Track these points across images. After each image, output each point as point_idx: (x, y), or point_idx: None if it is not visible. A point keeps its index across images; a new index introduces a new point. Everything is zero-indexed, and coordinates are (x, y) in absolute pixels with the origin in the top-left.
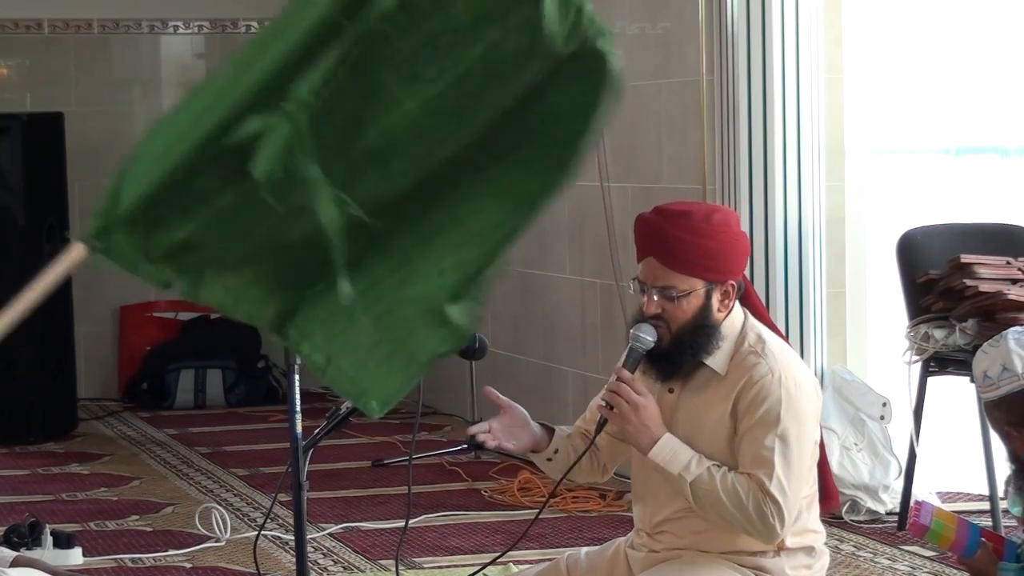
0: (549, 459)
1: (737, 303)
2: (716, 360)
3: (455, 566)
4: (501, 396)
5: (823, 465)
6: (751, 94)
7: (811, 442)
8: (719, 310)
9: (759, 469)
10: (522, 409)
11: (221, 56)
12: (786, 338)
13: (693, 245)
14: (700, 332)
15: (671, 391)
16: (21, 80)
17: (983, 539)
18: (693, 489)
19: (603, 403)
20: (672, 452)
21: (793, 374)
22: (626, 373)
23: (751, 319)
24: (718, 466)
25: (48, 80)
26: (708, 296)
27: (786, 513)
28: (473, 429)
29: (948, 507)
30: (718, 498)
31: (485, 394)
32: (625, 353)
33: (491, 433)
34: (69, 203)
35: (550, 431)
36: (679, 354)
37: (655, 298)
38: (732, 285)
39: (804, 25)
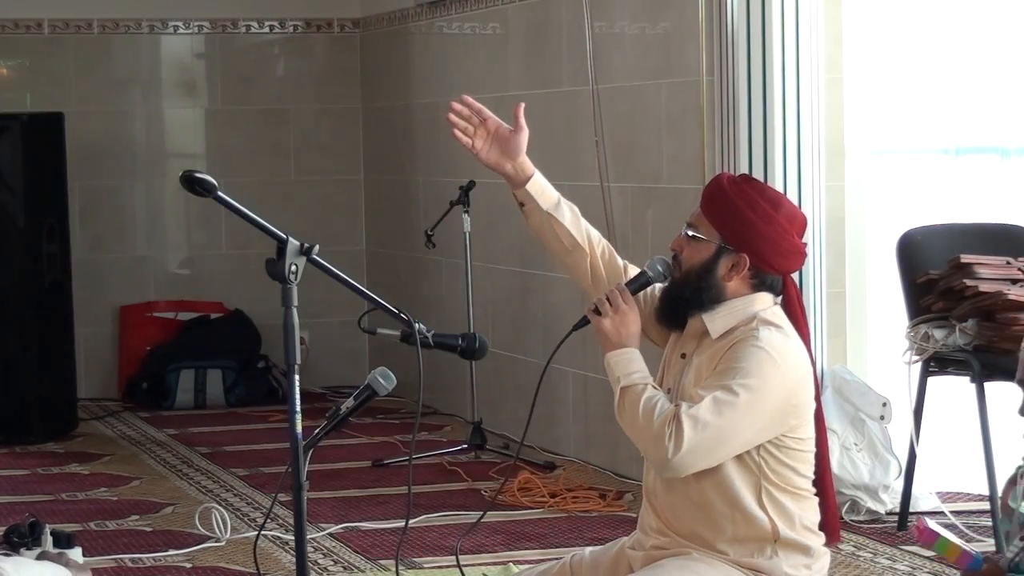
0: (521, 204)
1: (768, 297)
2: (714, 322)
3: (455, 566)
4: (523, 118)
5: (828, 498)
6: (751, 94)
7: (752, 422)
8: (724, 277)
9: (689, 401)
10: (523, 142)
11: (221, 56)
12: (811, 353)
13: (729, 201)
14: (698, 285)
15: (683, 356)
16: (21, 80)
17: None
18: (622, 393)
19: (592, 306)
20: (627, 361)
21: (781, 360)
22: (621, 285)
23: (777, 315)
24: (656, 389)
25: (48, 80)
26: (717, 255)
27: (685, 444)
28: (465, 104)
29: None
30: (635, 409)
31: (515, 109)
32: (636, 274)
33: (475, 128)
34: (69, 203)
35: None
36: (674, 296)
37: (681, 233)
38: (744, 260)
39: (804, 25)
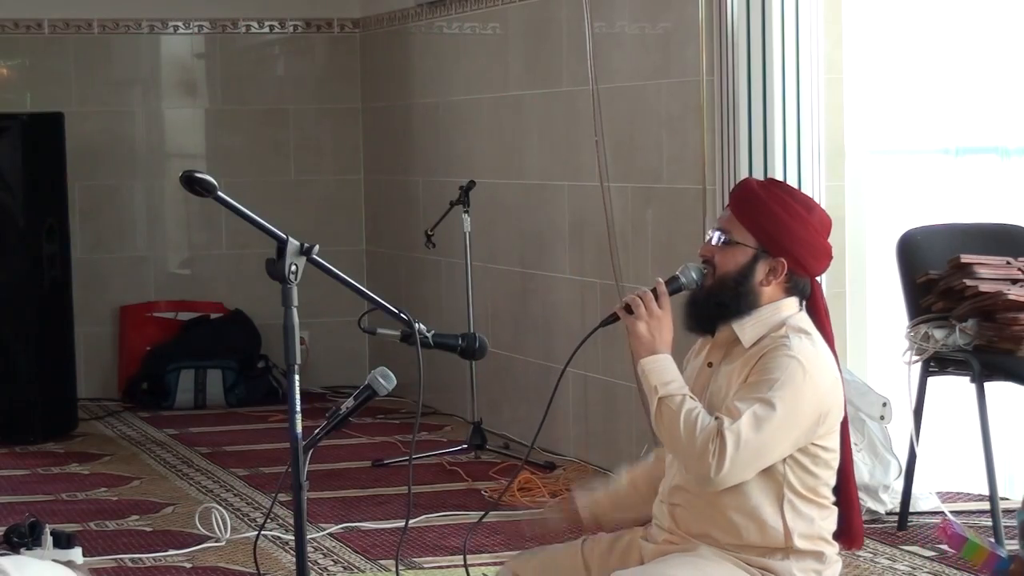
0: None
1: (795, 302)
2: (744, 330)
3: (455, 566)
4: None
5: (852, 505)
6: (751, 94)
7: (787, 434)
8: (761, 283)
9: (726, 415)
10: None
11: (221, 56)
12: (836, 357)
13: (765, 206)
14: (736, 291)
15: (709, 365)
16: (21, 80)
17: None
18: (659, 405)
19: (623, 304)
20: (662, 369)
21: (812, 369)
22: (662, 285)
23: (805, 321)
24: (694, 400)
25: (48, 80)
26: (754, 260)
27: (727, 462)
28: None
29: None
30: (675, 422)
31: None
32: (668, 279)
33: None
34: (69, 203)
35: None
36: (709, 303)
37: (712, 241)
38: (782, 265)
39: (804, 25)
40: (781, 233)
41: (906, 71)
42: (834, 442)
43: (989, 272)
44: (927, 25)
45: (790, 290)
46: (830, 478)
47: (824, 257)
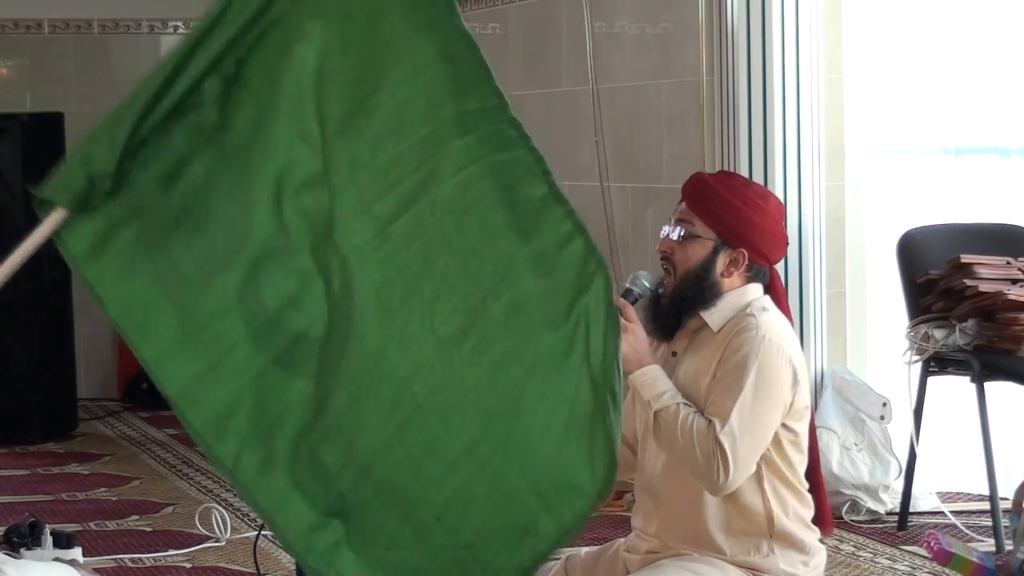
0: None
1: (759, 287)
2: (713, 316)
3: None
4: None
5: (819, 489)
6: (751, 94)
7: (776, 409)
8: (722, 274)
9: (716, 415)
10: None
11: None
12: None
13: (721, 197)
14: (699, 284)
15: (674, 354)
16: (21, 80)
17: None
18: (656, 418)
19: None
20: (652, 380)
21: (779, 341)
22: (621, 300)
23: (767, 301)
24: (688, 405)
25: (48, 80)
26: (715, 252)
27: (731, 463)
28: None
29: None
30: (674, 434)
31: None
32: (622, 293)
33: None
34: None
35: None
36: (675, 301)
37: (670, 236)
38: (743, 255)
39: (804, 25)
40: (740, 224)
41: (906, 71)
42: (803, 427)
43: (989, 272)
44: (927, 25)
45: (751, 278)
46: (802, 462)
47: (782, 245)
